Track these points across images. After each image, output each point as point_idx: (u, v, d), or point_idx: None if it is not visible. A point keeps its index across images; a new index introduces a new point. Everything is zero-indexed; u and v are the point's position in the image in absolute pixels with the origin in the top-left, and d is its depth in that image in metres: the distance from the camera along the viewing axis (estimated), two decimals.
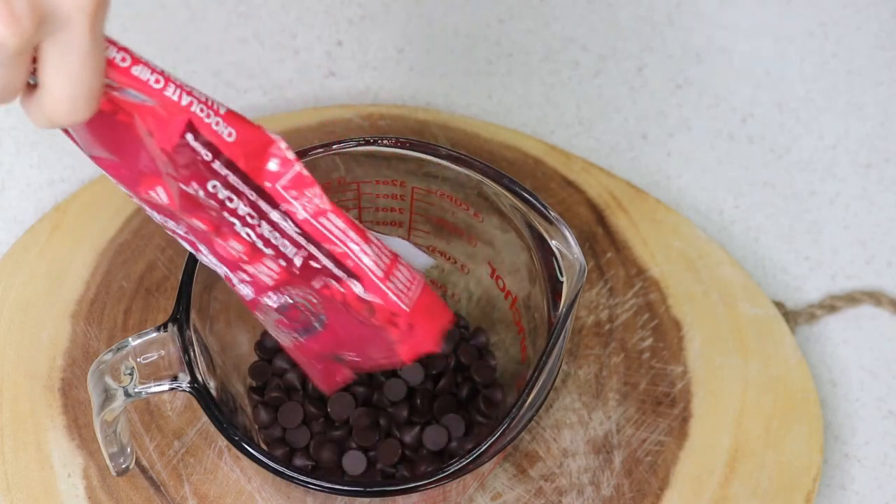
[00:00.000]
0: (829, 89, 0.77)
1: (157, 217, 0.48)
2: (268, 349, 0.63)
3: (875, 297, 0.70)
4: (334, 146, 0.56)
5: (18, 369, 0.64)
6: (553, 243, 0.54)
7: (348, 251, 0.47)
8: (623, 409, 0.64)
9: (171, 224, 0.48)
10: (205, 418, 0.60)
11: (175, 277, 0.67)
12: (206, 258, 0.49)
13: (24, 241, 0.68)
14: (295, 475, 0.51)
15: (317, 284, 0.48)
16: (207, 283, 0.54)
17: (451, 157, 0.56)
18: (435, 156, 0.56)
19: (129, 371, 0.52)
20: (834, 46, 0.79)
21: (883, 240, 0.73)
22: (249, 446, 0.51)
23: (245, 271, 0.49)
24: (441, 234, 0.61)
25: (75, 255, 0.67)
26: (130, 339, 0.52)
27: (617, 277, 0.68)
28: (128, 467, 0.58)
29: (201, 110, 0.44)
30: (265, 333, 0.63)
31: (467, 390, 0.62)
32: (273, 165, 0.46)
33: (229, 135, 0.44)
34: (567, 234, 0.53)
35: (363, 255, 0.47)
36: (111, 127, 0.44)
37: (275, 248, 0.47)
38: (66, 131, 0.46)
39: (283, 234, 0.47)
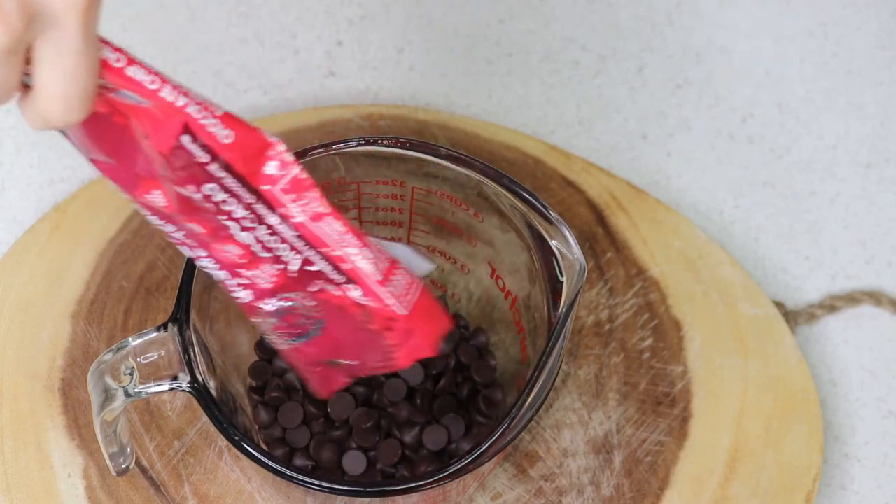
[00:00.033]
0: (829, 89, 0.77)
1: (154, 221, 0.48)
2: (268, 349, 0.63)
3: (875, 297, 0.70)
4: (334, 146, 0.56)
5: (18, 369, 0.64)
6: (553, 243, 0.54)
7: (346, 255, 0.47)
8: (623, 409, 0.64)
9: (168, 228, 0.48)
10: (205, 418, 0.60)
11: (175, 277, 0.67)
12: (204, 262, 0.49)
13: (24, 241, 0.68)
14: (295, 475, 0.51)
15: (314, 289, 0.48)
16: (207, 283, 0.54)
17: (451, 157, 0.56)
18: (435, 156, 0.56)
19: (129, 371, 0.52)
20: (834, 46, 0.79)
21: (883, 240, 0.73)
22: (249, 446, 0.51)
23: (243, 275, 0.49)
24: (441, 234, 0.61)
25: (75, 255, 0.67)
26: (130, 339, 0.52)
27: (617, 277, 0.68)
28: (128, 467, 0.58)
29: (198, 112, 0.43)
30: None
31: (467, 390, 0.62)
32: (271, 168, 0.45)
33: (227, 137, 0.44)
34: (567, 234, 0.53)
35: (361, 260, 0.47)
36: (108, 129, 0.44)
37: (272, 252, 0.47)
38: (64, 135, 0.46)
39: (281, 238, 0.47)
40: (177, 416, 0.63)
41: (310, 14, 0.78)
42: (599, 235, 0.69)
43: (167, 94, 0.43)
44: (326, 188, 0.58)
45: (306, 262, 0.47)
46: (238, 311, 0.51)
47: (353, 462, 0.61)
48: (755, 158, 0.75)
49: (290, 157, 0.45)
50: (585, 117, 0.76)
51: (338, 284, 0.48)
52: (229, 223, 0.46)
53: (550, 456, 0.63)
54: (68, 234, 0.68)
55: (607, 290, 0.68)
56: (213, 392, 0.52)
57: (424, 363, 0.62)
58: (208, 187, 0.45)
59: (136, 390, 0.52)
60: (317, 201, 0.46)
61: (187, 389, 0.52)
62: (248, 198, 0.45)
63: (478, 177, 0.55)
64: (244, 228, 0.46)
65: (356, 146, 0.56)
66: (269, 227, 0.46)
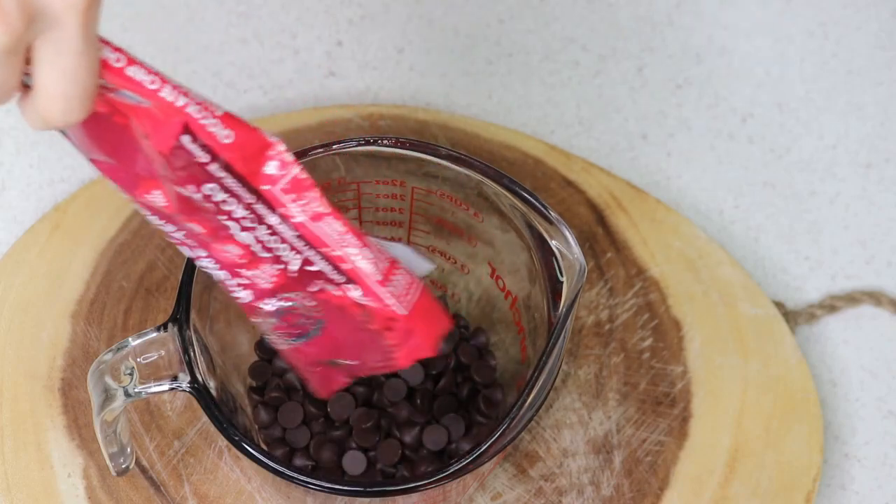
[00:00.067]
0: (829, 89, 0.77)
1: (154, 221, 0.48)
2: (268, 349, 0.63)
3: (875, 297, 0.70)
4: (334, 146, 0.56)
5: (18, 369, 0.64)
6: (553, 243, 0.54)
7: (346, 255, 0.47)
8: (623, 409, 0.64)
9: (168, 228, 0.48)
10: (205, 418, 0.60)
11: (175, 277, 0.67)
12: (204, 262, 0.49)
13: (24, 241, 0.68)
14: (295, 475, 0.51)
15: (314, 289, 0.48)
16: (207, 283, 0.54)
17: (451, 157, 0.56)
18: (435, 156, 0.56)
19: (129, 371, 0.52)
20: (834, 46, 0.79)
21: (883, 240, 0.73)
22: (249, 446, 0.51)
23: (243, 275, 0.49)
24: (441, 234, 0.61)
25: (75, 255, 0.67)
26: (130, 339, 0.52)
27: (617, 277, 0.68)
28: (128, 467, 0.58)
29: (198, 112, 0.43)
30: None
31: (467, 390, 0.62)
32: (271, 168, 0.45)
33: (227, 137, 0.44)
34: (567, 234, 0.53)
35: (361, 260, 0.47)
36: (108, 129, 0.44)
37: (273, 252, 0.47)
38: (65, 135, 0.46)
39: (281, 238, 0.47)
40: (177, 416, 0.63)
41: (310, 14, 0.78)
42: (599, 235, 0.69)
43: (167, 94, 0.43)
44: (326, 188, 0.58)
45: (306, 262, 0.47)
46: (238, 311, 0.51)
47: (353, 462, 0.61)
48: (755, 158, 0.75)
49: (290, 157, 0.45)
50: (585, 117, 0.76)
51: (338, 284, 0.48)
52: (229, 223, 0.46)
53: (550, 456, 0.63)
54: (68, 234, 0.68)
55: (607, 290, 0.68)
56: (213, 392, 0.52)
57: (424, 363, 0.62)
58: (208, 187, 0.45)
59: (136, 390, 0.52)
60: (317, 201, 0.46)
61: (187, 389, 0.52)
62: (248, 198, 0.45)
63: (478, 177, 0.55)
64: (244, 228, 0.46)
65: (356, 146, 0.56)
66: (269, 227, 0.46)
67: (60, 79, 0.41)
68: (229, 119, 0.44)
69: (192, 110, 0.43)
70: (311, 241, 0.47)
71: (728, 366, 0.65)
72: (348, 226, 0.46)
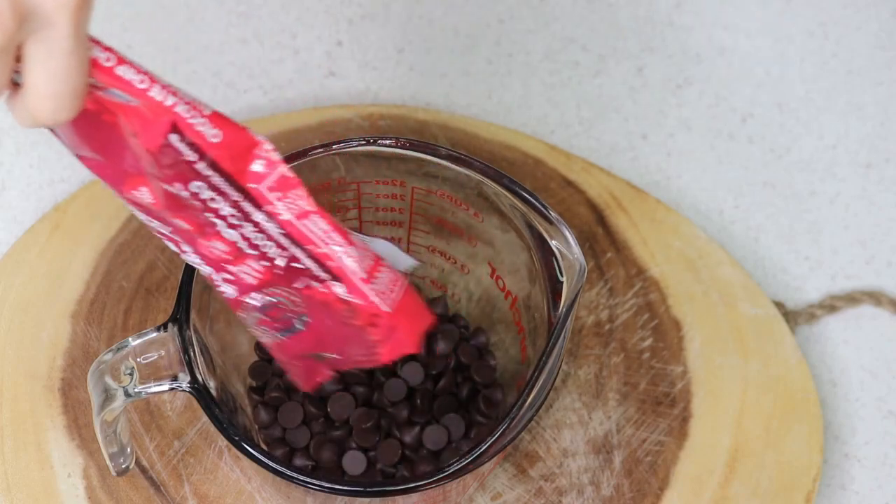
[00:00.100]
0: (829, 89, 0.77)
1: (142, 216, 0.48)
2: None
3: (875, 297, 0.70)
4: (334, 146, 0.56)
5: (18, 369, 0.64)
6: (553, 243, 0.54)
7: (332, 253, 0.47)
8: (623, 409, 0.64)
9: (155, 224, 0.48)
10: (205, 418, 0.60)
11: (175, 277, 0.67)
12: (191, 258, 0.49)
13: (24, 241, 0.68)
14: (295, 475, 0.51)
15: (299, 285, 0.49)
16: (207, 283, 0.54)
17: (451, 157, 0.56)
18: (435, 156, 0.56)
19: (129, 371, 0.52)
20: (834, 46, 0.79)
21: (883, 240, 0.73)
22: (249, 446, 0.51)
23: (229, 271, 0.49)
24: (441, 234, 0.61)
25: (75, 255, 0.67)
26: (130, 339, 0.52)
27: (617, 277, 0.68)
28: (128, 467, 0.58)
29: (186, 111, 0.44)
30: None
31: (467, 390, 0.62)
32: (257, 167, 0.45)
33: (214, 136, 0.44)
34: (567, 234, 0.53)
35: (346, 257, 0.47)
36: (96, 127, 0.44)
37: (258, 248, 0.47)
38: (52, 131, 0.46)
39: (267, 235, 0.47)
40: (177, 416, 0.63)
41: (310, 14, 0.78)
42: (599, 235, 0.69)
43: (156, 93, 0.43)
44: (326, 188, 0.58)
45: (292, 258, 0.48)
46: None
47: (353, 462, 0.61)
48: (755, 158, 0.75)
49: (276, 156, 0.46)
50: (585, 117, 0.76)
51: (323, 281, 0.48)
52: (216, 220, 0.47)
53: (550, 456, 0.63)
54: (68, 234, 0.68)
55: (607, 290, 0.68)
56: (213, 392, 0.52)
57: (424, 363, 0.62)
58: (195, 185, 0.45)
59: (136, 390, 0.52)
60: (303, 199, 0.46)
61: (187, 389, 0.52)
62: (235, 195, 0.46)
63: (478, 177, 0.55)
64: (230, 225, 0.47)
65: (356, 146, 0.56)
66: (256, 224, 0.47)
67: (51, 78, 0.41)
68: (217, 118, 0.44)
69: (181, 109, 0.44)
70: (296, 239, 0.47)
71: (728, 366, 0.65)
72: (333, 224, 0.47)
